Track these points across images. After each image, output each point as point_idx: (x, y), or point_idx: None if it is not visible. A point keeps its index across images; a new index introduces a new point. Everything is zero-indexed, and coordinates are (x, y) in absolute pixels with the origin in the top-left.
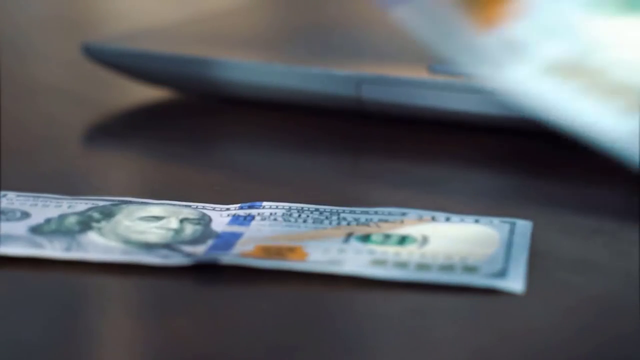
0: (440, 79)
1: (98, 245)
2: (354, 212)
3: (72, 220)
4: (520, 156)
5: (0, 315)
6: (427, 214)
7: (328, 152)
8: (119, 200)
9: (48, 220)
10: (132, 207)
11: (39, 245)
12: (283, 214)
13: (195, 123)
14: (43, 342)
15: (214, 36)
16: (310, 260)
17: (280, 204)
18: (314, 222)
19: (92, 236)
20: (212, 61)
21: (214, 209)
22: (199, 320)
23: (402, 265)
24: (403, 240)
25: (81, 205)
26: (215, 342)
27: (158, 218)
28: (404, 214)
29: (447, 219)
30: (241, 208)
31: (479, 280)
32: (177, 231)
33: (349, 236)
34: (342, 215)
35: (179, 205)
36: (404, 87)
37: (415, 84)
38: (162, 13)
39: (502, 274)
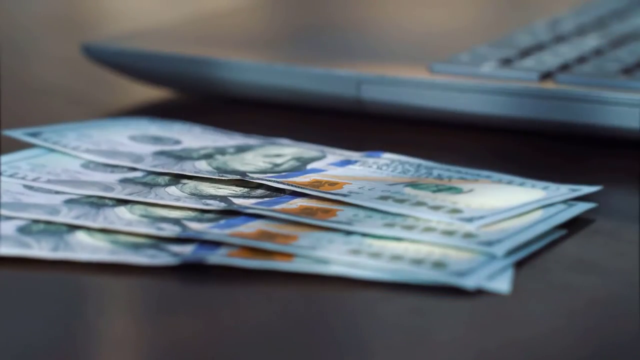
0: (440, 79)
1: (85, 246)
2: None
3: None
4: (520, 155)
5: None
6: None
7: None
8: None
9: (36, 221)
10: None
11: (26, 245)
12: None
13: (195, 123)
14: (35, 340)
15: (214, 36)
16: (297, 256)
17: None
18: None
19: (80, 236)
20: (213, 61)
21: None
22: (193, 319)
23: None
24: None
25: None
26: (210, 340)
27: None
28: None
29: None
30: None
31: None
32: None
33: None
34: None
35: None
36: (403, 87)
37: (415, 84)
38: (162, 13)
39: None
